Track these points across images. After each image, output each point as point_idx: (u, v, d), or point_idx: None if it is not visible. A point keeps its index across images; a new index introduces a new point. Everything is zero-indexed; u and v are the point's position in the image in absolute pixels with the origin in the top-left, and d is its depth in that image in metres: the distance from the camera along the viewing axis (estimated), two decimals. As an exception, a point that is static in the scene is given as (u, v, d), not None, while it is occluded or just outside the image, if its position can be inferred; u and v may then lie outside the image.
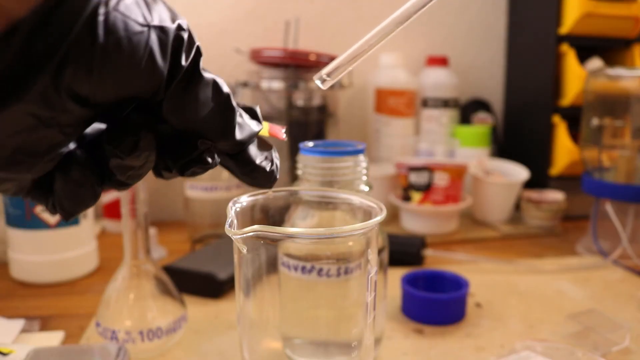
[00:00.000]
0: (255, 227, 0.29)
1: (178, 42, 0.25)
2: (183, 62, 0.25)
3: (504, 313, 0.65)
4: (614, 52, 1.11)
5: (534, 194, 1.02)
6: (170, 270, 0.68)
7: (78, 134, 0.26)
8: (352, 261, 0.44)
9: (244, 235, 0.30)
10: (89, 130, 0.28)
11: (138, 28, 0.23)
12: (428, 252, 0.81)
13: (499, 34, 1.28)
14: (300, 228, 0.46)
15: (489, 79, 1.30)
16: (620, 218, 0.84)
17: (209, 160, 0.29)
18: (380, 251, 0.52)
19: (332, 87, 0.99)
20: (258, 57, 1.00)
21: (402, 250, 0.80)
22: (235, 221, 0.31)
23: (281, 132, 0.33)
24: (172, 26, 0.24)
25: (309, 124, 1.02)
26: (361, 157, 0.49)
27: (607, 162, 0.89)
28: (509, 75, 1.26)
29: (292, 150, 1.02)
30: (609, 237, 0.86)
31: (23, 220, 0.72)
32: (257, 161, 0.30)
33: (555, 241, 0.96)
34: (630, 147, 0.86)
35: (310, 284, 0.46)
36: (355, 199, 0.41)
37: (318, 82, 0.33)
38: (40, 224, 0.72)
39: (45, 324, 0.62)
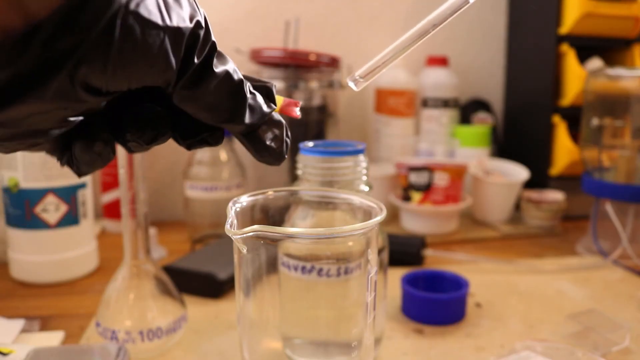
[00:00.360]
0: (255, 227, 0.29)
1: (193, 41, 0.25)
2: (195, 60, 0.25)
3: (504, 313, 0.65)
4: (614, 52, 1.11)
5: (534, 194, 1.02)
6: (170, 270, 0.68)
7: (91, 112, 0.27)
8: (352, 261, 0.44)
9: (244, 235, 0.30)
10: None
11: (155, 30, 0.23)
12: (428, 252, 0.81)
13: (499, 34, 1.28)
14: (300, 228, 0.46)
15: (489, 79, 1.30)
16: (620, 218, 0.84)
17: (213, 144, 0.31)
18: (380, 251, 0.52)
19: (331, 87, 1.00)
20: (258, 57, 1.00)
21: (402, 250, 0.80)
22: (235, 221, 0.31)
23: (295, 110, 0.33)
24: (188, 25, 0.25)
25: (309, 124, 1.02)
26: (361, 157, 0.50)
27: (607, 162, 0.89)
28: (509, 75, 1.26)
29: (292, 150, 1.02)
30: (609, 237, 0.86)
31: (23, 220, 0.72)
32: (267, 141, 0.31)
33: (555, 241, 0.96)
34: (630, 147, 0.86)
35: (310, 284, 0.46)
36: (355, 199, 0.41)
37: (351, 84, 0.33)
38: (40, 224, 0.72)
39: (45, 324, 0.62)
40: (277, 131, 0.31)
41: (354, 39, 1.20)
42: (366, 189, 0.50)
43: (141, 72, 0.24)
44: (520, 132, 1.20)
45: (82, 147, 0.28)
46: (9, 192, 0.72)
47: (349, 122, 1.21)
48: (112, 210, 0.99)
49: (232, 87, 0.28)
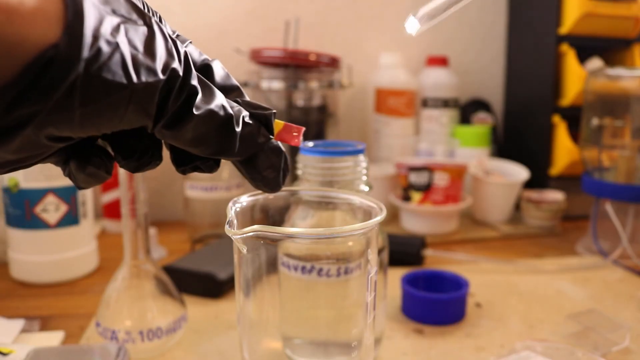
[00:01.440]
0: (255, 227, 0.29)
1: (166, 91, 0.25)
2: (169, 108, 0.25)
3: (504, 313, 0.65)
4: (614, 52, 1.11)
5: (534, 194, 1.02)
6: (170, 270, 0.69)
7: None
8: (352, 261, 0.44)
9: (244, 235, 0.30)
10: None
11: (119, 91, 0.23)
12: (428, 252, 0.81)
13: (499, 34, 1.28)
14: (300, 228, 0.46)
15: (489, 79, 1.30)
16: (620, 218, 0.84)
17: (208, 172, 0.31)
18: (380, 251, 0.52)
19: (331, 87, 0.99)
20: (258, 57, 1.00)
21: (402, 250, 0.80)
22: (235, 221, 0.31)
23: (295, 138, 0.32)
24: (159, 79, 0.24)
25: (309, 124, 1.02)
26: (361, 157, 0.50)
27: (607, 162, 0.89)
28: (509, 76, 1.26)
29: (292, 150, 1.02)
30: (609, 237, 0.86)
31: (23, 220, 0.72)
32: (263, 171, 0.30)
33: (555, 241, 0.96)
34: (630, 147, 0.86)
35: (310, 284, 0.46)
36: (355, 199, 0.41)
37: (410, 24, 0.32)
38: (40, 224, 0.72)
39: (45, 324, 0.62)
40: (274, 160, 0.31)
41: (354, 39, 1.20)
42: (366, 189, 0.50)
43: (110, 124, 0.24)
44: (520, 132, 1.20)
45: (77, 166, 0.28)
46: (9, 192, 0.72)
47: (349, 122, 1.21)
48: (112, 210, 0.99)
49: (217, 124, 0.27)
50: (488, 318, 0.64)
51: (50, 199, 0.72)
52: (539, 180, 1.09)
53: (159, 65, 0.24)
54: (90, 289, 0.73)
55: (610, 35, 1.05)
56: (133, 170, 0.29)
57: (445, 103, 1.15)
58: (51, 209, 0.72)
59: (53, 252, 0.73)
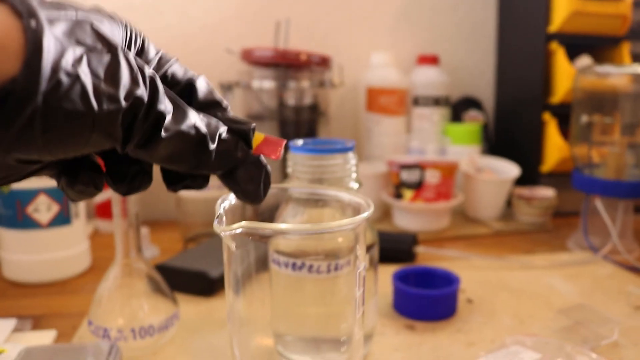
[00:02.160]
0: (243, 223, 0.29)
1: (131, 117, 0.25)
2: (135, 132, 0.25)
3: (494, 309, 0.66)
4: (602, 49, 1.12)
5: (525, 191, 1.02)
6: (162, 268, 0.69)
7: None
8: (342, 257, 0.44)
9: (232, 231, 0.30)
10: None
11: (80, 120, 0.23)
12: (420, 249, 0.82)
13: (489, 32, 1.29)
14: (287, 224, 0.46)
15: (480, 77, 1.30)
16: (610, 214, 0.84)
17: (195, 188, 0.31)
18: (370, 247, 0.53)
19: (322, 86, 1.00)
20: (249, 57, 1.00)
21: (394, 248, 0.80)
22: (224, 218, 0.31)
23: (274, 151, 0.31)
24: (121, 107, 0.24)
25: (300, 123, 1.03)
26: (350, 154, 0.50)
27: (597, 159, 0.90)
28: (500, 73, 1.26)
29: (283, 148, 1.02)
30: (599, 232, 0.86)
31: (15, 220, 0.72)
32: (242, 184, 0.31)
33: (546, 237, 0.97)
34: (619, 144, 0.87)
35: (301, 280, 0.46)
36: (345, 196, 0.41)
37: None
38: (32, 224, 0.72)
39: (38, 323, 0.62)
40: (254, 173, 0.31)
41: (344, 39, 1.21)
42: (356, 186, 0.50)
43: (77, 149, 0.24)
44: (510, 130, 1.20)
45: (66, 183, 0.29)
46: (0, 192, 0.72)
47: (341, 121, 1.22)
48: (104, 210, 0.99)
49: (188, 143, 0.27)
50: (479, 314, 0.64)
51: (42, 199, 0.72)
52: (529, 177, 1.10)
53: (122, 92, 0.24)
54: (83, 288, 0.73)
55: (599, 33, 1.06)
56: (124, 193, 0.30)
57: (436, 101, 1.16)
58: (43, 209, 0.72)
59: (45, 252, 0.73)
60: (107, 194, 0.97)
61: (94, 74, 0.24)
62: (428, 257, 0.84)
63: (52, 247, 0.74)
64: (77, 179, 0.29)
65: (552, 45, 1.05)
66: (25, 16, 0.22)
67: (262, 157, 0.31)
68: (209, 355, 0.55)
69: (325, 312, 0.45)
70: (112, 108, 0.24)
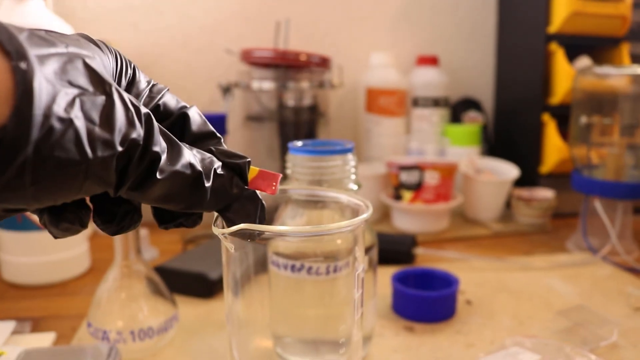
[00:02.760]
0: (242, 225, 0.29)
1: (126, 161, 0.24)
2: (130, 175, 0.25)
3: (494, 310, 0.66)
4: (602, 50, 1.12)
5: (524, 192, 1.02)
6: (161, 270, 0.69)
7: None
8: (341, 259, 0.44)
9: (231, 233, 0.30)
10: None
11: (74, 167, 0.22)
12: (419, 251, 0.82)
13: (488, 33, 1.29)
14: (288, 226, 0.46)
15: (479, 78, 1.30)
16: (609, 215, 0.84)
17: (190, 226, 0.31)
18: (369, 249, 0.53)
19: (322, 87, 1.00)
20: (249, 58, 1.00)
21: (393, 249, 0.80)
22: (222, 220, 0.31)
23: (270, 185, 0.31)
24: (116, 151, 0.23)
25: (299, 124, 1.03)
26: (350, 156, 0.50)
27: (596, 160, 0.90)
28: (499, 74, 1.26)
29: (282, 150, 1.02)
30: (598, 234, 0.86)
31: (14, 222, 0.72)
32: (237, 221, 0.30)
33: (546, 238, 0.97)
34: (618, 145, 0.87)
35: (300, 282, 0.46)
36: (344, 198, 0.41)
37: None
38: (31, 226, 0.72)
39: (37, 326, 0.62)
40: (249, 208, 0.30)
41: (344, 39, 1.21)
42: (355, 187, 0.50)
43: (68, 197, 0.24)
44: (510, 131, 1.21)
45: (50, 220, 0.27)
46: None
47: (340, 121, 1.22)
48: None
49: (184, 183, 0.27)
50: (478, 315, 0.64)
51: (41, 201, 0.72)
52: (529, 178, 1.10)
53: (117, 137, 0.23)
54: (82, 290, 0.73)
55: (598, 33, 1.06)
56: (112, 233, 0.29)
57: (436, 102, 1.16)
58: (42, 211, 0.72)
59: (44, 254, 0.73)
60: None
61: (87, 118, 0.22)
62: (427, 258, 0.84)
63: (52, 249, 0.74)
64: (61, 216, 0.27)
65: (551, 46, 1.05)
66: (15, 57, 0.21)
67: (257, 192, 0.31)
68: (208, 357, 0.55)
69: (324, 313, 0.45)
70: (106, 154, 0.23)
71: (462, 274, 0.73)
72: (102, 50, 0.27)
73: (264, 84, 0.98)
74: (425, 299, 0.62)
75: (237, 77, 1.04)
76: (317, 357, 0.46)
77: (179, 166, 0.26)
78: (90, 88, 0.23)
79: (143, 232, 0.85)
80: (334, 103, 1.20)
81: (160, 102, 0.30)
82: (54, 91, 0.22)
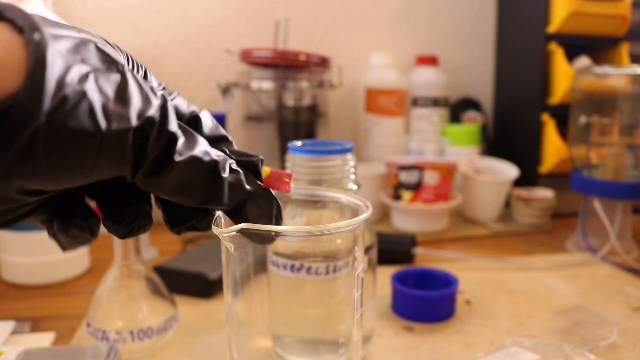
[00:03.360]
0: (242, 225, 0.29)
1: (142, 138, 0.23)
2: (148, 155, 0.24)
3: (493, 310, 0.66)
4: (601, 50, 1.12)
5: (523, 192, 1.02)
6: (161, 270, 0.69)
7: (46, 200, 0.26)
8: (340, 259, 0.44)
9: (231, 233, 0.30)
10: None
11: (87, 139, 0.22)
12: (418, 251, 0.82)
13: (488, 33, 1.29)
14: (288, 226, 0.46)
15: (479, 77, 1.30)
16: (609, 215, 0.84)
17: (202, 229, 0.30)
18: (368, 249, 0.53)
19: (321, 86, 1.00)
20: (248, 58, 1.00)
21: (393, 249, 0.80)
22: (222, 219, 0.31)
23: (284, 184, 0.31)
24: (131, 126, 0.23)
25: (299, 124, 1.03)
26: (349, 155, 0.50)
27: (595, 160, 0.90)
28: (499, 74, 1.26)
29: (282, 150, 1.02)
30: (597, 233, 0.86)
31: (13, 222, 0.72)
32: (253, 220, 0.29)
33: (545, 238, 0.97)
34: (617, 145, 0.87)
35: (299, 282, 0.46)
36: (343, 197, 0.41)
37: None
38: (30, 226, 0.72)
39: (36, 325, 0.62)
40: (265, 207, 0.30)
41: (343, 39, 1.21)
42: (354, 187, 0.50)
43: (83, 175, 0.23)
44: (509, 131, 1.21)
45: (59, 228, 0.27)
46: None
47: (340, 121, 1.22)
48: (103, 212, 0.99)
49: (201, 170, 0.26)
50: (477, 315, 0.64)
51: (41, 201, 0.72)
52: (528, 178, 1.10)
53: (132, 112, 0.23)
54: (81, 289, 0.73)
55: (598, 33, 1.06)
56: (122, 236, 0.28)
57: (435, 102, 1.16)
58: (41, 211, 0.72)
59: (44, 254, 0.73)
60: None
61: (101, 92, 0.22)
62: (427, 258, 0.84)
63: (51, 249, 0.74)
64: (71, 222, 0.27)
65: (551, 46, 1.05)
66: (28, 30, 0.21)
67: (271, 191, 0.30)
68: (207, 357, 0.55)
69: (323, 313, 0.45)
70: (122, 127, 0.22)
71: (461, 274, 0.73)
72: (114, 48, 0.26)
73: (264, 83, 0.98)
74: (425, 299, 0.62)
75: (237, 77, 1.04)
76: (317, 357, 0.46)
77: (196, 151, 0.26)
78: (102, 66, 0.23)
79: (142, 232, 0.84)
80: (333, 103, 1.20)
81: (172, 104, 0.29)
82: (67, 64, 0.21)
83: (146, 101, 0.24)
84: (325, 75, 1.04)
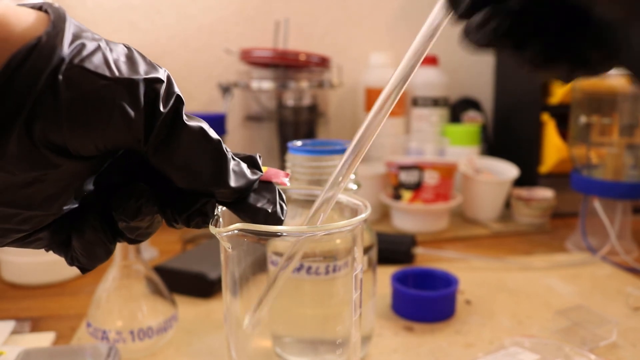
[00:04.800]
0: (239, 224, 0.29)
1: (152, 93, 0.25)
2: (161, 109, 0.25)
3: (493, 310, 0.66)
4: (601, 50, 1.11)
5: (523, 192, 1.02)
6: (161, 270, 0.69)
7: (75, 187, 0.26)
8: (340, 259, 0.44)
9: (228, 232, 0.30)
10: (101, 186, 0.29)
11: (102, 82, 0.23)
12: (418, 251, 0.82)
13: (488, 33, 1.28)
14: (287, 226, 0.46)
15: (479, 77, 1.30)
16: (609, 215, 0.84)
17: (210, 212, 0.29)
18: (368, 249, 0.53)
19: (321, 86, 1.00)
20: (248, 58, 1.00)
21: (393, 249, 0.80)
22: (220, 219, 0.31)
23: (281, 178, 0.31)
24: (141, 77, 0.24)
25: (299, 124, 1.03)
26: (349, 155, 0.50)
27: (595, 160, 0.90)
28: (499, 74, 1.26)
29: (282, 150, 1.02)
30: (597, 233, 0.86)
31: (13, 222, 0.72)
32: (259, 205, 0.29)
33: (545, 238, 0.97)
34: (617, 145, 0.87)
35: (299, 282, 0.46)
36: (343, 198, 0.41)
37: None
38: (30, 226, 0.72)
39: (36, 325, 0.62)
40: (268, 195, 0.30)
41: (343, 39, 1.21)
42: (354, 187, 0.50)
43: (99, 126, 0.24)
44: (509, 131, 1.21)
45: (76, 236, 0.28)
46: None
47: (340, 121, 1.22)
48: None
49: (209, 145, 0.27)
50: (477, 315, 0.64)
51: (40, 201, 0.72)
52: (528, 178, 1.10)
53: (141, 69, 0.25)
54: (81, 289, 0.73)
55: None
56: (132, 216, 0.28)
57: (435, 102, 1.16)
58: (41, 211, 0.72)
59: (44, 254, 0.73)
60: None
61: (112, 51, 0.24)
62: (427, 258, 0.84)
63: (51, 249, 0.74)
64: (86, 226, 0.28)
65: (550, 46, 1.04)
66: (47, 6, 0.24)
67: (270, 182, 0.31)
68: (207, 357, 0.55)
69: (323, 313, 0.45)
70: (133, 76, 0.24)
71: (461, 274, 0.73)
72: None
73: (263, 83, 0.98)
74: (425, 299, 0.62)
75: (237, 77, 1.04)
76: (316, 357, 0.46)
77: (202, 124, 0.27)
78: (110, 41, 0.25)
79: (142, 232, 0.84)
80: (333, 103, 1.20)
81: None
82: (81, 29, 0.24)
83: (152, 66, 0.25)
84: (325, 75, 1.04)
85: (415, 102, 1.16)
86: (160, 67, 0.26)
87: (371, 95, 1.13)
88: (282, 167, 0.47)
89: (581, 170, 0.91)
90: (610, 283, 0.74)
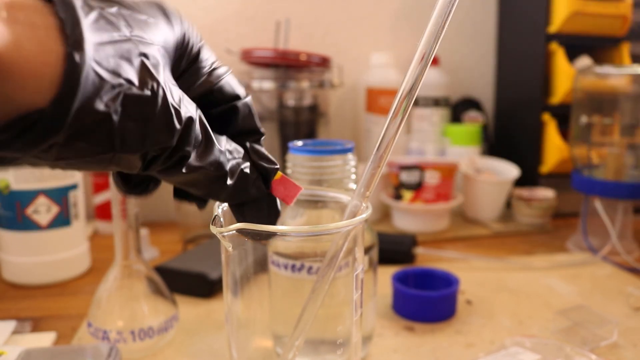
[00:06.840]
0: (239, 224, 0.29)
1: (153, 156, 0.26)
2: (155, 166, 0.26)
3: (494, 310, 0.66)
4: (602, 50, 1.11)
5: (524, 192, 1.02)
6: (162, 270, 0.69)
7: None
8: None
9: (229, 232, 0.30)
10: None
11: (97, 156, 0.23)
12: (419, 251, 0.82)
13: (489, 32, 1.29)
14: (287, 226, 0.46)
15: (480, 77, 1.30)
16: (610, 215, 0.84)
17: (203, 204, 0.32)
18: (369, 249, 0.53)
19: (322, 86, 1.00)
20: (249, 58, 1.00)
21: (393, 249, 0.80)
22: (221, 219, 0.31)
23: (289, 196, 0.32)
24: (144, 150, 0.25)
25: (300, 124, 1.03)
26: (350, 155, 0.50)
27: (596, 160, 0.90)
28: (499, 74, 1.26)
29: (282, 150, 1.02)
30: (598, 233, 0.86)
31: (14, 221, 0.72)
32: (247, 218, 0.31)
33: (546, 238, 0.97)
34: (618, 145, 0.87)
35: (300, 282, 0.46)
36: (344, 197, 0.41)
37: None
38: (31, 226, 0.72)
39: (37, 325, 0.62)
40: (264, 210, 0.31)
41: (344, 39, 1.21)
42: (355, 187, 0.50)
43: (90, 171, 0.27)
44: (510, 131, 1.20)
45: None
46: (0, 193, 0.72)
47: (340, 121, 1.22)
48: (104, 212, 0.99)
49: (207, 176, 0.28)
50: (478, 315, 0.64)
51: (42, 200, 0.72)
52: (529, 178, 1.10)
53: (149, 138, 0.24)
54: (82, 289, 0.73)
55: (599, 33, 1.06)
56: (135, 196, 0.30)
57: (436, 102, 1.16)
58: (42, 210, 0.72)
59: (44, 254, 0.73)
60: (107, 194, 0.97)
61: (126, 113, 0.23)
62: (427, 258, 0.84)
63: (52, 249, 0.74)
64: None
65: (551, 46, 1.05)
66: (71, 44, 0.21)
67: (278, 200, 0.32)
68: (208, 357, 0.55)
69: (323, 313, 0.45)
70: (135, 150, 0.24)
71: (462, 274, 0.73)
72: (170, 23, 0.27)
73: (264, 83, 0.98)
74: (425, 299, 0.62)
75: (237, 77, 1.04)
76: (317, 357, 0.46)
77: (206, 164, 0.27)
78: (136, 82, 0.23)
79: (143, 232, 0.85)
80: (334, 103, 1.20)
81: (217, 86, 0.30)
82: (99, 84, 0.22)
83: (167, 127, 0.25)
84: (325, 75, 1.04)
85: (416, 102, 1.16)
86: (181, 119, 0.25)
87: (372, 95, 1.13)
88: (283, 167, 0.47)
89: (582, 170, 0.91)
90: (611, 283, 0.74)
